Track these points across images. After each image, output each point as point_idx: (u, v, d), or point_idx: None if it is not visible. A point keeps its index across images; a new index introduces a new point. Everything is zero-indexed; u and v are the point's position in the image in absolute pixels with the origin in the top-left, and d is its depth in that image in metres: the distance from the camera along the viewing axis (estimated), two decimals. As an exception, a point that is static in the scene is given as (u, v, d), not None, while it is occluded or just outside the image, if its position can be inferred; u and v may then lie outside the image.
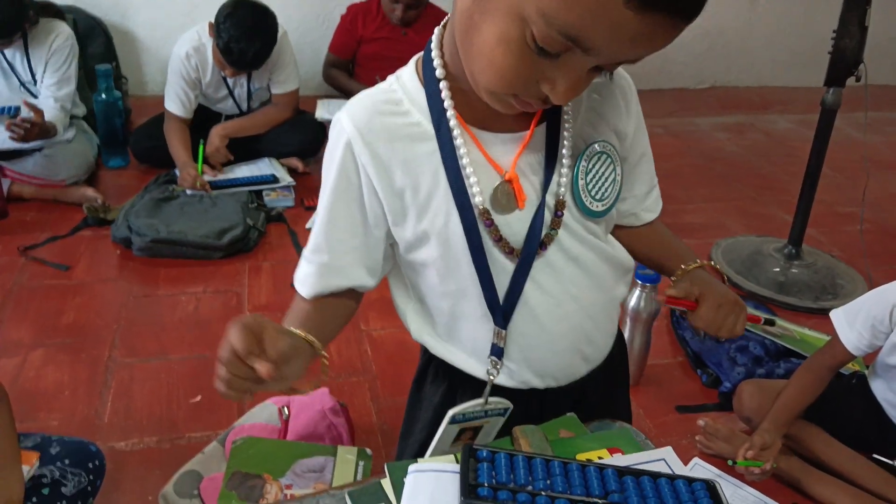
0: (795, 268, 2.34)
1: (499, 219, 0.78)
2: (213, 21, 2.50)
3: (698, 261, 0.89)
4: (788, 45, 4.39)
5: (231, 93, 2.75)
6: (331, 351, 1.80)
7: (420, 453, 0.95)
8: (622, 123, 0.84)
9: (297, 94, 2.86)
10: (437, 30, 0.77)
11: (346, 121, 0.77)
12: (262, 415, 1.41)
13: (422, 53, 0.79)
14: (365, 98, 0.79)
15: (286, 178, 2.69)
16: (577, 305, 0.85)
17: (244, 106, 2.80)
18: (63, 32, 2.55)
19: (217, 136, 2.68)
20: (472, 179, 0.76)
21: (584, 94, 0.80)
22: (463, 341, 0.87)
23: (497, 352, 0.83)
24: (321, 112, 2.89)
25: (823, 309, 2.20)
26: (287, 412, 1.40)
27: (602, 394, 0.96)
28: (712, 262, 0.93)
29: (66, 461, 1.16)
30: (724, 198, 2.98)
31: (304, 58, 3.30)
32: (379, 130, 0.76)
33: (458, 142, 0.75)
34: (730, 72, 4.43)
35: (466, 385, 0.89)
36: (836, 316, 1.49)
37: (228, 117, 2.82)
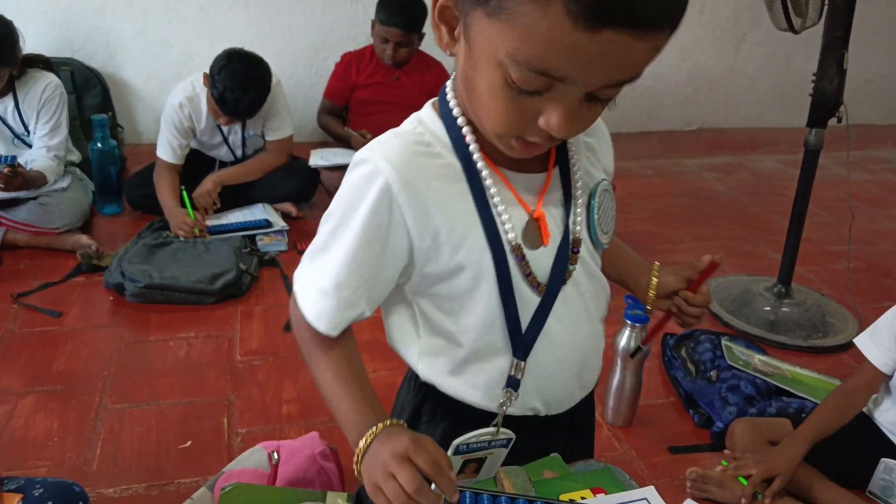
0: (785, 306, 2.35)
1: (529, 254, 0.82)
2: (207, 72, 2.56)
3: (657, 263, 0.99)
4: (772, 88, 4.48)
5: (226, 140, 2.79)
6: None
7: None
8: (607, 161, 0.92)
9: (291, 140, 2.90)
10: (449, 81, 0.81)
11: (382, 162, 0.76)
12: (252, 460, 1.40)
13: (434, 100, 0.83)
14: (395, 140, 0.79)
15: (279, 223, 2.72)
16: (584, 334, 0.90)
17: (238, 153, 2.84)
18: (52, 82, 2.60)
19: (211, 181, 2.71)
20: (504, 217, 0.80)
21: (581, 137, 0.85)
22: (474, 376, 0.87)
23: (513, 383, 0.86)
24: (315, 159, 2.94)
25: (814, 347, 2.21)
26: (276, 457, 1.39)
27: (587, 420, 1.02)
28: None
29: (50, 503, 1.15)
30: (713, 237, 3.01)
31: (297, 105, 3.36)
32: (418, 171, 0.77)
33: (488, 182, 0.79)
34: (716, 114, 4.51)
35: (470, 419, 0.88)
36: (861, 339, 1.56)
37: (223, 164, 2.86)
